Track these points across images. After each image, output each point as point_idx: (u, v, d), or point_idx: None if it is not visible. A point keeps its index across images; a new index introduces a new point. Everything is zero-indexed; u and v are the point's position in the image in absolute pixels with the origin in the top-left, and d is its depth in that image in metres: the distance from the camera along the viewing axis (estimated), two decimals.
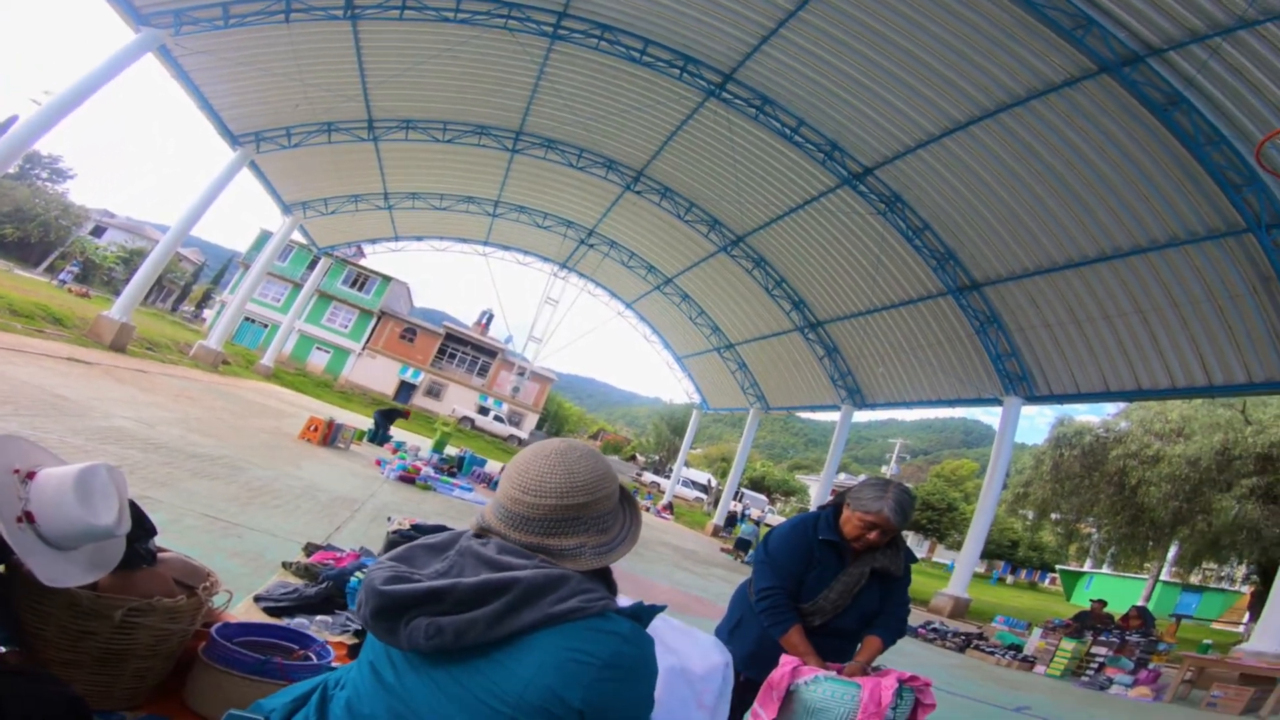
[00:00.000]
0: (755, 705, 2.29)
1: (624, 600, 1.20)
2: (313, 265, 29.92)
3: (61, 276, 35.39)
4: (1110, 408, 19.18)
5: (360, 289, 40.72)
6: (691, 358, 27.68)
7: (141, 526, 1.52)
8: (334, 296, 39.66)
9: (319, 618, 2.14)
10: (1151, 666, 8.77)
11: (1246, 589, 22.87)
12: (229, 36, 13.36)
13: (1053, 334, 13.51)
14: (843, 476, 48.65)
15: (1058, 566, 37.71)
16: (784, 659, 2.31)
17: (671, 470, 33.88)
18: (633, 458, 52.67)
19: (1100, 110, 10.15)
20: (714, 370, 26.46)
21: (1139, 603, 15.55)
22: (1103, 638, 9.21)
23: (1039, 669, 9.09)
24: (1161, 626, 11.33)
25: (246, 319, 36.18)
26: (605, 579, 1.21)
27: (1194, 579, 24.69)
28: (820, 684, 2.19)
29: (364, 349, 40.10)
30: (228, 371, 22.78)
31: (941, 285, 14.89)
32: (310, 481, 7.70)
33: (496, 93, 16.93)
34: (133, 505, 1.48)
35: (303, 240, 27.51)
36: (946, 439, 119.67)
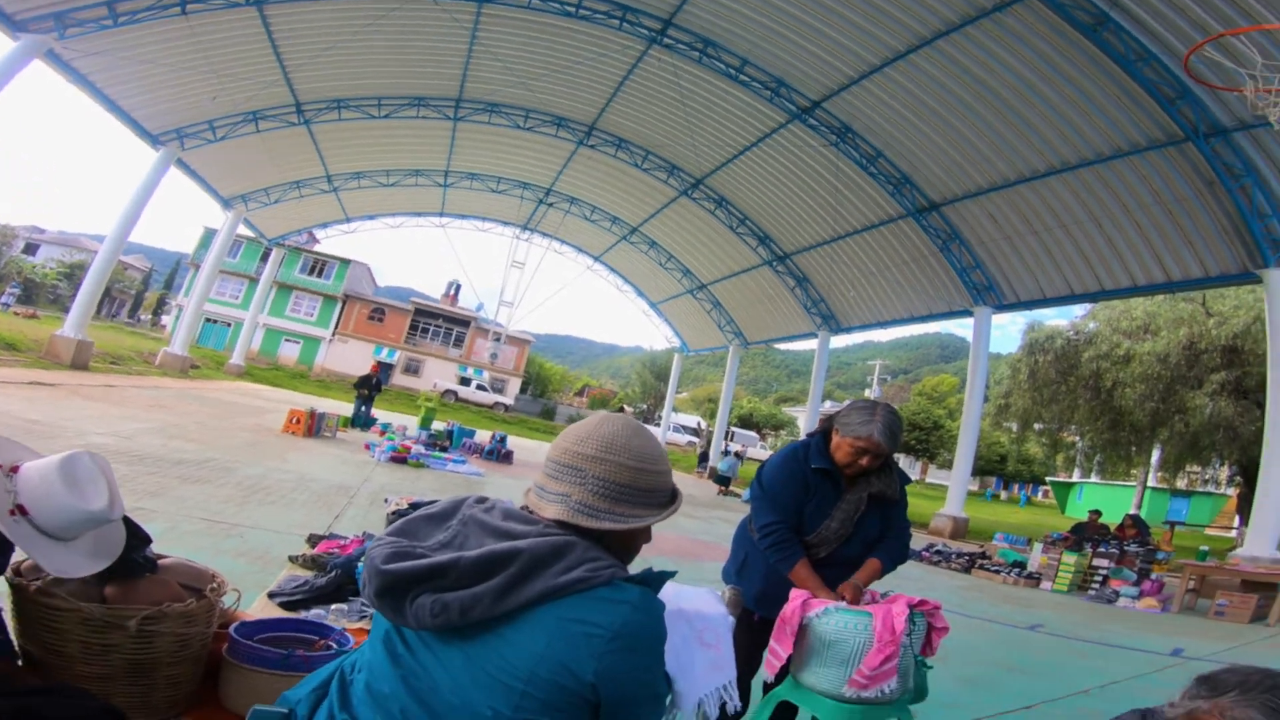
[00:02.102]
0: (771, 642, 2.28)
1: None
2: (265, 257, 29.08)
3: (3, 300, 33.95)
4: (1077, 310, 19.55)
5: (319, 275, 39.86)
6: (666, 302, 27.73)
7: (135, 535, 1.49)
8: (294, 286, 38.80)
9: (335, 607, 2.15)
10: (1154, 577, 8.83)
11: (1232, 491, 23.63)
12: (123, 35, 12.67)
13: (1013, 245, 13.90)
14: (828, 404, 49.57)
15: (1048, 479, 38.48)
16: (793, 593, 2.29)
17: (661, 418, 34.23)
18: (620, 409, 53.05)
19: (1032, 33, 10.35)
20: (690, 312, 26.60)
21: (1131, 511, 16.07)
22: (1102, 549, 9.26)
23: (1045, 585, 9.11)
24: (1156, 535, 11.52)
25: (208, 320, 35.29)
26: (618, 547, 1.16)
27: (1180, 483, 25.21)
28: (832, 615, 2.18)
29: (334, 335, 39.48)
30: (198, 375, 22.33)
31: (901, 208, 15.20)
32: (301, 473, 7.70)
33: (429, 62, 16.39)
34: (124, 518, 1.45)
35: (250, 234, 26.67)
36: (924, 355, 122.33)
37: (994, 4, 10.20)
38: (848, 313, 19.46)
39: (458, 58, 16.08)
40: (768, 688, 2.48)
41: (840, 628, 2.14)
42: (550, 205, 24.16)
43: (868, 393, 55.47)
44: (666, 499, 1.19)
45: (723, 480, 19.50)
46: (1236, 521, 18.88)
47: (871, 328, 19.40)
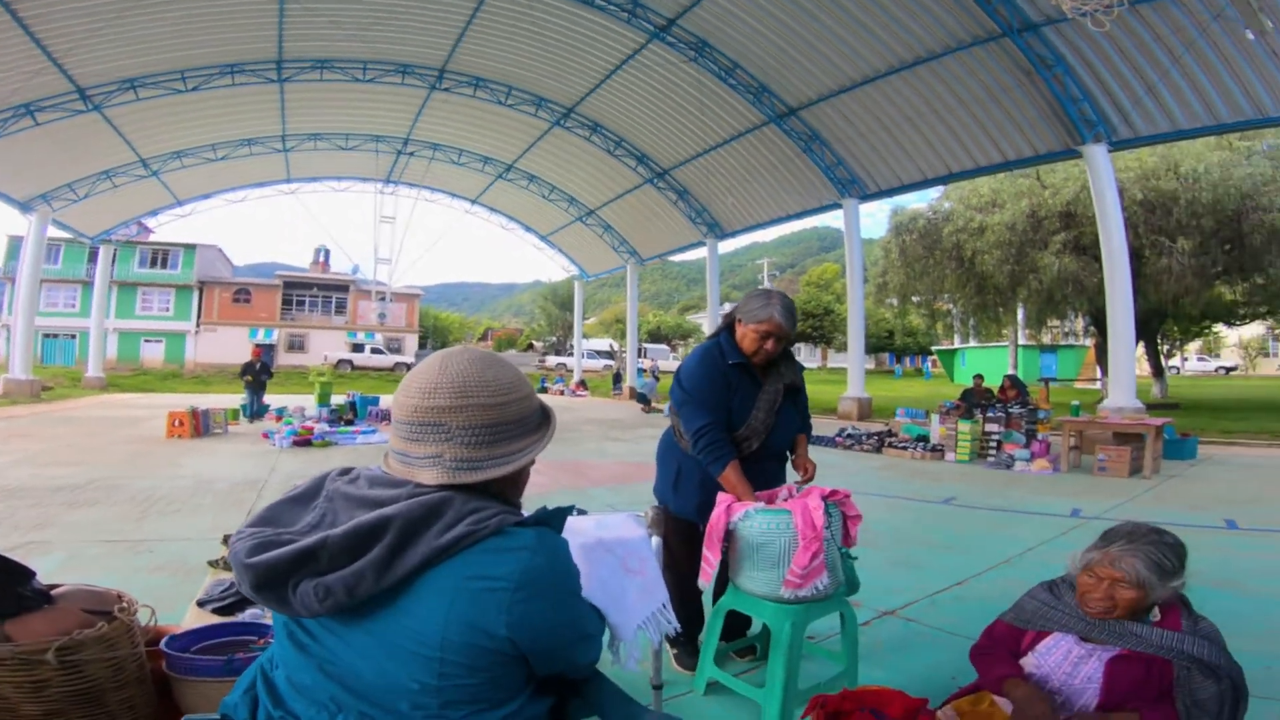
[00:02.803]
0: (704, 550, 2.31)
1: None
2: (95, 258, 25.77)
3: None
4: (933, 192, 20.97)
5: (164, 266, 36.05)
6: (557, 233, 27.23)
7: (10, 572, 1.43)
8: (137, 283, 35.00)
9: None
10: (1040, 437, 9.25)
11: (1090, 342, 26.52)
12: None
13: (868, 140, 14.80)
14: (727, 306, 51.07)
15: (934, 348, 41.75)
16: (719, 499, 2.31)
17: (572, 347, 34.03)
18: (530, 346, 52.29)
19: None
20: (583, 239, 26.34)
21: (1009, 371, 17.61)
22: (990, 414, 9.66)
23: (949, 456, 9.56)
24: (1034, 394, 12.43)
25: (46, 335, 31.33)
26: (502, 494, 1.08)
27: (1045, 339, 28.02)
28: (753, 517, 2.21)
29: (199, 326, 36.22)
30: (53, 396, 20.05)
31: (763, 115, 15.70)
32: (200, 476, 7.30)
33: (234, 28, 14.65)
34: None
35: (67, 234, 23.41)
36: (806, 249, 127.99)
37: None
38: (730, 218, 20.04)
39: (268, 18, 14.43)
40: (716, 595, 2.56)
41: (764, 529, 2.18)
42: (411, 155, 22.68)
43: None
44: (539, 420, 1.11)
45: (643, 400, 20.07)
46: (1099, 372, 21.24)
47: (753, 229, 20.14)
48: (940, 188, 18.29)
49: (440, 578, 0.95)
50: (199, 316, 36.42)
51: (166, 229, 26.87)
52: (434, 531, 0.95)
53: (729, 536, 2.28)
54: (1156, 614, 1.73)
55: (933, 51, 12.15)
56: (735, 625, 2.78)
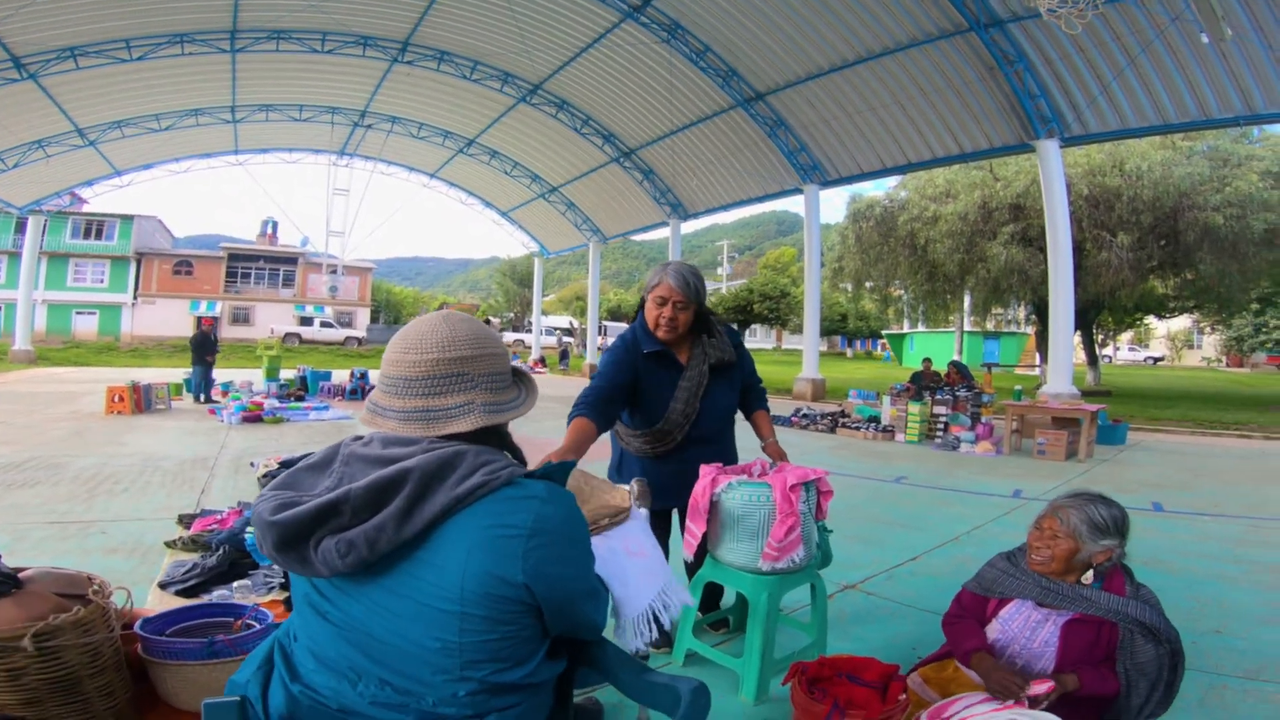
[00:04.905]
0: (688, 522, 2.37)
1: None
2: (23, 229, 24.20)
3: None
4: (890, 181, 21.41)
5: (98, 237, 34.22)
6: (518, 209, 26.79)
7: None
8: (69, 254, 33.17)
9: (237, 584, 2.12)
10: (985, 420, 9.66)
11: (1030, 330, 27.62)
12: None
13: (831, 128, 14.98)
14: None
15: (884, 332, 42.83)
16: (702, 471, 2.35)
17: (530, 324, 33.68)
18: (487, 322, 51.52)
19: None
20: (545, 216, 25.99)
21: (954, 357, 18.22)
22: (938, 396, 10.03)
23: (899, 437, 9.90)
24: (978, 378, 12.91)
25: None
26: (507, 448, 1.14)
27: (990, 325, 29.06)
28: (735, 490, 2.26)
29: (136, 297, 34.49)
30: None
31: (730, 99, 15.72)
32: (146, 453, 7.04)
33: None
34: None
35: None
36: (764, 232, 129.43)
37: None
38: (694, 199, 20.08)
39: None
40: (690, 570, 2.64)
41: (745, 500, 2.25)
42: (369, 127, 21.86)
43: (719, 270, 58.13)
44: (516, 374, 1.19)
45: None
46: (1038, 359, 22.22)
47: (716, 211, 20.24)
48: (898, 177, 18.69)
49: (458, 527, 0.97)
50: (136, 288, 34.68)
51: (102, 199, 25.39)
52: (451, 482, 0.98)
53: (712, 508, 2.32)
54: (1091, 576, 1.85)
55: (900, 43, 12.36)
56: (709, 598, 2.85)
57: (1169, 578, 3.77)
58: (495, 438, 1.13)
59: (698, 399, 2.48)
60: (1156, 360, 45.74)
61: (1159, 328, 41.29)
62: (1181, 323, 38.30)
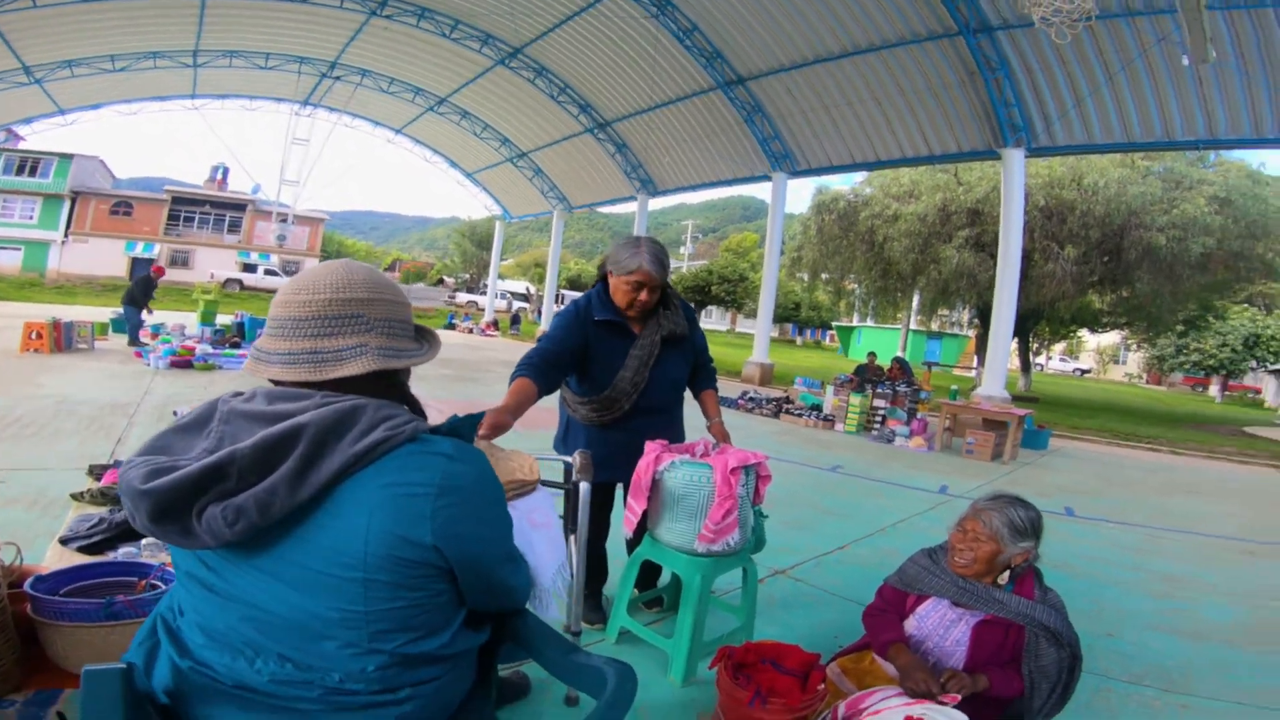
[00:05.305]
0: (629, 499, 2.39)
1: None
2: None
3: None
4: (857, 177, 21.69)
5: (32, 174, 32.40)
6: (483, 171, 26.16)
7: None
8: None
9: (146, 541, 2.02)
10: (920, 416, 9.91)
11: (972, 333, 28.57)
12: None
13: (807, 118, 15.02)
14: None
15: (834, 324, 43.79)
16: (647, 448, 2.36)
17: (486, 286, 33.08)
18: (440, 281, 50.37)
19: None
20: (510, 180, 25.45)
21: (898, 353, 18.75)
22: (879, 390, 10.29)
23: (838, 426, 10.14)
24: (918, 375, 13.22)
25: None
26: (405, 402, 1.06)
27: (934, 325, 29.96)
28: (677, 469, 2.28)
29: (67, 236, 32.61)
30: None
31: (712, 81, 15.62)
32: (61, 396, 6.63)
33: None
34: None
35: None
36: (729, 215, 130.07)
37: None
38: (665, 177, 19.97)
39: None
40: (630, 546, 2.66)
41: (686, 480, 2.27)
42: (337, 79, 20.94)
43: (682, 250, 58.19)
44: (420, 331, 1.13)
45: None
46: (975, 361, 23.09)
47: (685, 190, 20.21)
48: (865, 172, 18.93)
49: (358, 488, 0.90)
50: (68, 226, 32.86)
51: (41, 137, 23.76)
52: (349, 439, 0.90)
53: (654, 486, 2.33)
54: (1006, 577, 1.94)
55: (888, 40, 12.39)
56: (645, 576, 2.87)
57: (1073, 581, 3.96)
58: (395, 390, 1.06)
59: (647, 368, 2.48)
60: (1084, 372, 47.96)
61: (1090, 341, 43.39)
62: (1111, 338, 40.36)
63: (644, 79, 16.68)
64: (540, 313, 26.96)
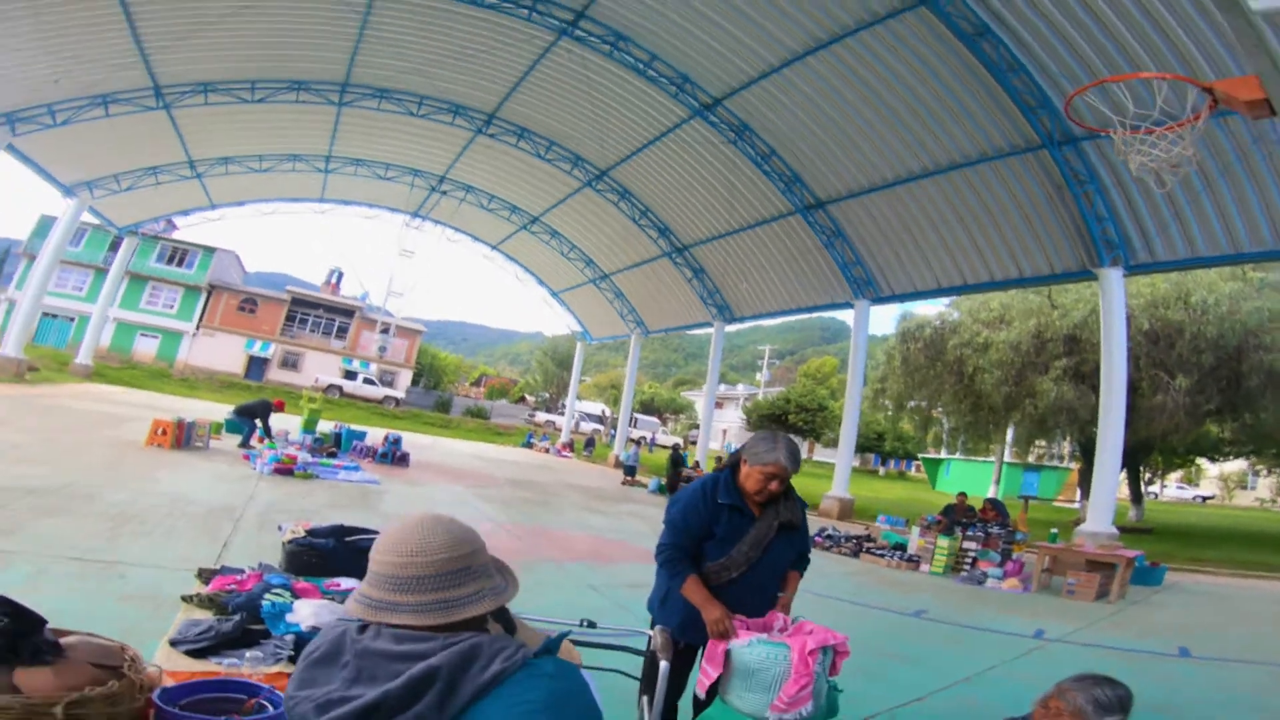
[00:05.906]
0: (704, 663, 2.52)
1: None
2: (116, 246, 26.07)
3: None
4: (943, 301, 21.29)
5: (180, 264, 36.26)
6: (568, 291, 27.55)
7: (24, 619, 1.43)
8: (150, 276, 35.10)
9: (248, 654, 2.11)
10: (1015, 557, 9.51)
11: (1074, 465, 26.74)
12: None
13: (889, 242, 15.00)
14: (723, 388, 51.40)
15: (920, 455, 41.81)
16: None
17: (564, 406, 33.92)
18: (521, 399, 52.05)
19: (919, 40, 11.05)
20: (592, 301, 26.59)
21: (990, 491, 17.46)
22: (970, 532, 9.86)
23: (924, 567, 9.67)
24: (1014, 512, 12.50)
25: (45, 315, 31.20)
26: (505, 622, 1.34)
27: (1031, 458, 28.24)
28: (756, 647, 2.41)
29: (199, 328, 36.09)
30: (38, 379, 19.79)
31: (790, 205, 15.97)
32: (176, 494, 7.10)
33: (314, 46, 15.39)
34: (6, 600, 1.41)
35: (96, 220, 23.80)
36: (808, 337, 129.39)
37: (887, 10, 10.79)
38: (740, 303, 20.24)
39: (346, 41, 15.13)
40: (698, 706, 2.74)
41: (762, 658, 2.38)
42: (444, 193, 23.25)
43: (758, 376, 58.09)
44: (496, 569, 1.34)
45: (629, 470, 19.96)
46: (1079, 495, 21.35)
47: (762, 317, 20.36)
48: (951, 297, 18.52)
49: (480, 713, 1.09)
50: (201, 319, 36.31)
51: (191, 229, 27.33)
52: (473, 673, 1.11)
53: (727, 656, 2.46)
54: None
55: (969, 157, 12.28)
56: None
57: None
58: (499, 615, 1.32)
59: (761, 547, 2.71)
60: (1206, 499, 43.16)
61: (1211, 469, 39.13)
62: (1236, 464, 36.28)
63: (722, 203, 17.34)
64: (613, 437, 27.30)
